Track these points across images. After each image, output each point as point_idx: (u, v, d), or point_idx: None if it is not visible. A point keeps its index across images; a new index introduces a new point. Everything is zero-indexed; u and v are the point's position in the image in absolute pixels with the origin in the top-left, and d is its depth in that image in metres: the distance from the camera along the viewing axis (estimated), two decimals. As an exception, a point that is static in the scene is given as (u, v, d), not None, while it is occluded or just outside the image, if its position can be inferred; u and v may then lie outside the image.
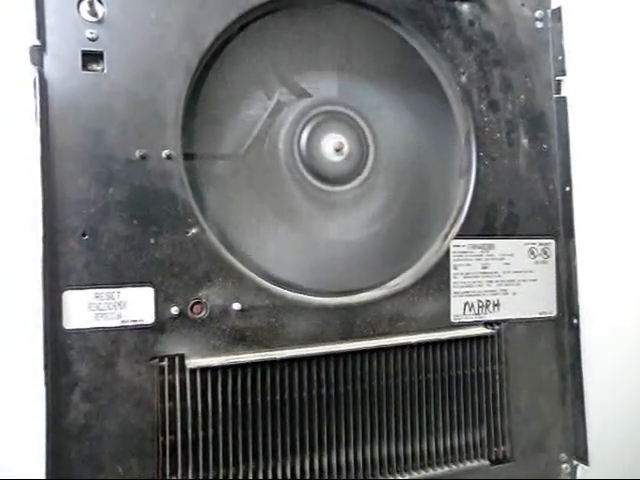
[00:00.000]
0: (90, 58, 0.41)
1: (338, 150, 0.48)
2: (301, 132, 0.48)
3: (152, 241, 0.41)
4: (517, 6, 0.53)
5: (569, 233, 0.53)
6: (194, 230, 0.42)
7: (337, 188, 0.49)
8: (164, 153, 0.42)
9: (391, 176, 0.51)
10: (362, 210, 0.50)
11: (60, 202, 0.39)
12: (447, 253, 0.50)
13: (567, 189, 0.53)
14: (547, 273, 0.53)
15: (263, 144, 0.48)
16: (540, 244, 0.52)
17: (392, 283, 0.49)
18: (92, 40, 0.40)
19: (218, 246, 0.43)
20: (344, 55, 0.50)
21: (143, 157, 0.41)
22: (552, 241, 0.53)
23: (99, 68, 0.41)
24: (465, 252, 0.50)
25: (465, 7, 0.51)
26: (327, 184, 0.49)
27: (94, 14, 0.40)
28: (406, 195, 0.51)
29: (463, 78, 0.51)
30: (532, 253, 0.52)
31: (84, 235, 0.40)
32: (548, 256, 0.53)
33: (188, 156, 0.44)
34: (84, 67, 0.40)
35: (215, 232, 0.44)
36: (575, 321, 0.52)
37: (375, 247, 0.50)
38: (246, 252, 0.46)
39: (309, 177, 0.48)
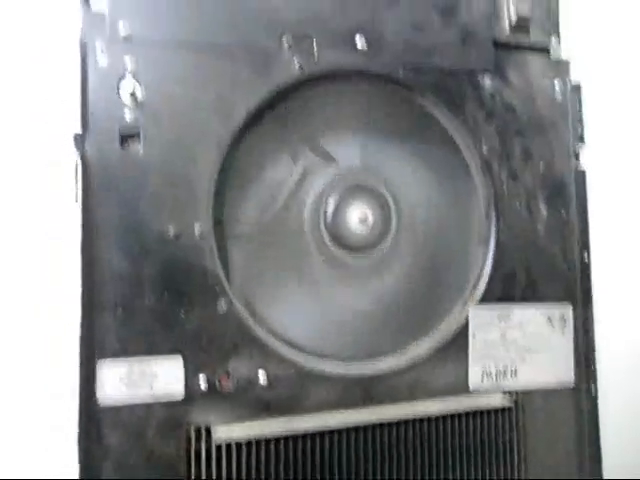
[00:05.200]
0: (128, 138, 0.43)
1: (363, 221, 0.49)
2: (327, 203, 0.49)
3: (182, 314, 0.43)
4: (538, 78, 0.54)
5: (587, 300, 0.54)
6: (223, 303, 0.44)
7: (359, 256, 0.50)
8: (196, 229, 0.43)
9: (412, 244, 0.52)
10: (383, 277, 0.51)
11: (97, 277, 0.41)
12: (466, 321, 0.51)
13: (585, 257, 0.54)
14: (565, 341, 0.53)
15: (289, 212, 0.50)
16: (558, 311, 0.53)
17: (411, 350, 0.50)
18: (130, 122, 0.42)
19: (246, 318, 0.45)
20: (367, 122, 0.52)
21: (176, 232, 0.43)
22: (570, 308, 0.54)
23: (136, 148, 0.43)
24: (484, 320, 0.51)
25: (487, 80, 0.52)
26: (350, 252, 0.50)
27: (133, 96, 0.42)
28: (426, 262, 0.52)
29: (484, 149, 0.52)
30: (550, 320, 0.53)
31: (117, 309, 0.41)
32: (566, 323, 0.54)
33: (217, 224, 0.46)
34: (122, 147, 0.42)
35: (242, 302, 0.46)
36: (593, 390, 0.52)
37: (394, 314, 0.51)
38: (270, 321, 0.47)
39: (333, 246, 0.49)
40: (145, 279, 0.42)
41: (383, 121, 0.52)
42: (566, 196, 0.54)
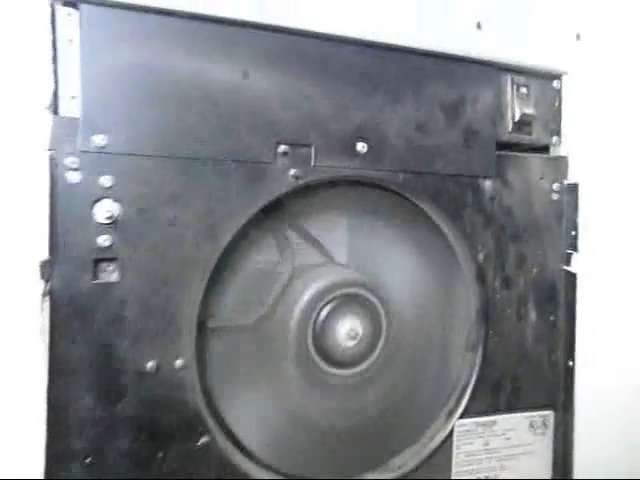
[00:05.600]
0: (102, 266, 0.38)
1: (353, 337, 0.47)
2: (317, 314, 0.46)
3: (160, 455, 0.39)
4: (536, 180, 0.52)
5: (568, 405, 0.54)
6: (204, 439, 0.41)
7: (345, 371, 0.48)
8: (178, 362, 0.40)
9: (400, 357, 0.50)
10: (367, 391, 0.49)
11: (64, 424, 0.37)
12: (451, 433, 0.50)
13: (570, 363, 0.54)
14: (545, 445, 0.54)
15: (274, 318, 0.46)
16: (540, 416, 0.53)
17: (395, 463, 0.49)
18: (105, 246, 0.37)
19: (229, 452, 0.42)
20: (362, 223, 0.50)
21: (156, 368, 0.39)
22: (552, 413, 0.54)
23: (112, 276, 0.38)
24: (469, 431, 0.51)
25: (487, 183, 0.50)
26: (336, 367, 0.47)
27: (109, 216, 0.37)
28: (413, 373, 0.51)
29: (480, 256, 0.50)
30: (532, 426, 0.53)
31: (86, 458, 0.37)
32: (547, 427, 0.54)
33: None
34: (95, 275, 0.37)
35: (223, 432, 0.43)
36: (569, 495, 0.53)
37: (377, 427, 0.49)
38: (252, 448, 0.44)
39: (319, 360, 0.47)
40: (119, 421, 0.38)
41: (379, 224, 0.50)
42: (556, 300, 0.53)
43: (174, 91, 0.39)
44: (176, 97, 0.39)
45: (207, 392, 0.42)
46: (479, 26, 0.50)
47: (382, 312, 0.49)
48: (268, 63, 0.42)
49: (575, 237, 0.53)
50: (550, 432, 0.54)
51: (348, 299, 0.47)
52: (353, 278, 0.48)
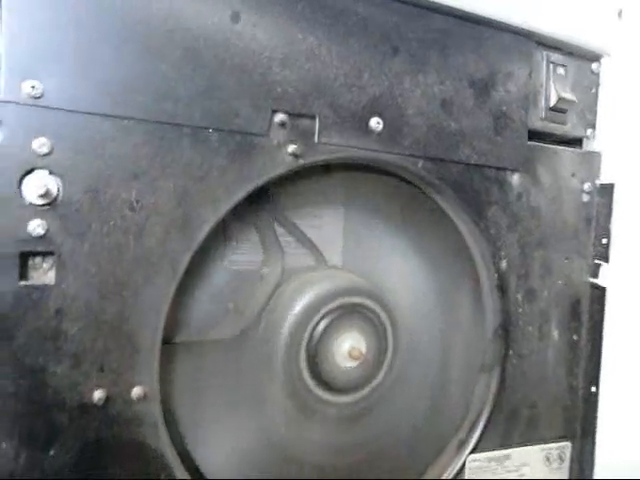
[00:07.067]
0: (33, 263, 0.28)
1: (354, 357, 0.38)
2: (313, 329, 0.38)
3: (108, 514, 0.30)
4: (567, 177, 0.45)
5: (588, 435, 0.48)
6: (165, 485, 0.31)
7: (343, 398, 0.39)
8: (134, 392, 0.30)
9: (407, 380, 0.42)
10: (369, 423, 0.41)
11: (-28, 476, 0.27)
12: (462, 468, 0.42)
13: (593, 389, 0.47)
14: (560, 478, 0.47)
15: (257, 330, 0.38)
16: (557, 448, 0.47)
17: (397, 505, 0.41)
18: (38, 236, 0.27)
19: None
20: (367, 216, 0.41)
21: (104, 400, 0.29)
22: (569, 446, 0.47)
23: (45, 277, 0.28)
24: (481, 467, 0.43)
25: (515, 178, 0.42)
26: (332, 394, 0.39)
27: (44, 194, 0.27)
28: (420, 401, 0.43)
29: (503, 263, 0.42)
30: (548, 460, 0.46)
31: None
32: (563, 461, 0.47)
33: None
34: (22, 277, 0.27)
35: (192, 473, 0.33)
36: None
37: (377, 465, 0.41)
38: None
39: (312, 385, 0.38)
40: (52, 473, 0.28)
41: (388, 218, 0.41)
42: (579, 317, 0.47)
43: (142, 31, 0.29)
44: (143, 40, 0.29)
45: (172, 428, 0.33)
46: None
47: (389, 327, 0.40)
48: (266, 4, 0.32)
49: (607, 246, 0.46)
50: (566, 465, 0.47)
51: (350, 310, 0.39)
52: (356, 285, 0.40)
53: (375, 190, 0.41)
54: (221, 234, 0.36)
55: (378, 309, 0.40)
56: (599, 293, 0.47)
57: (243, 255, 0.38)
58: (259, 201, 0.37)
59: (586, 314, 0.47)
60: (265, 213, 0.37)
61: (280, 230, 0.39)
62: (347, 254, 0.41)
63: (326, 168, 0.38)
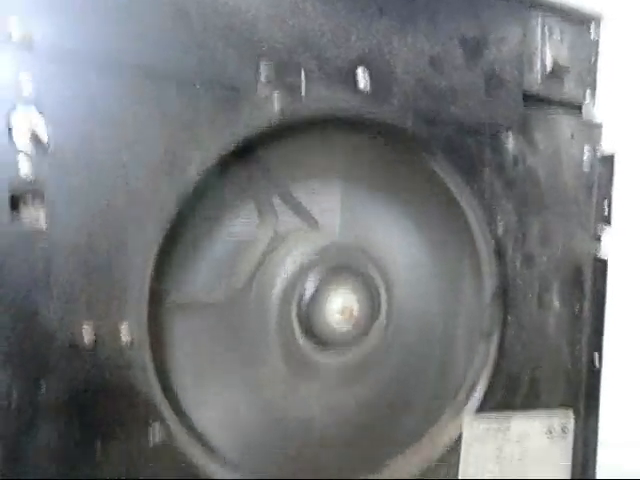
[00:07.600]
0: (23, 204, 0.29)
1: (346, 313, 0.38)
2: (302, 287, 0.38)
3: (97, 453, 0.31)
4: (565, 144, 0.44)
5: (591, 408, 0.46)
6: (158, 434, 0.32)
7: (335, 355, 0.39)
8: (123, 332, 0.31)
9: (401, 339, 0.42)
10: (361, 380, 0.41)
11: (-36, 409, 0.28)
12: (459, 436, 0.42)
13: (595, 361, 0.46)
14: (563, 453, 0.46)
15: (250, 292, 0.38)
16: (559, 421, 0.45)
17: (393, 469, 0.41)
18: (27, 177, 0.28)
19: (189, 450, 0.33)
20: (357, 180, 0.41)
21: (92, 339, 0.30)
22: (572, 417, 0.46)
23: (35, 216, 0.29)
24: (479, 434, 0.42)
25: (511, 140, 0.42)
26: (325, 350, 0.39)
27: (33, 138, 0.28)
28: (416, 361, 0.43)
29: (500, 229, 0.42)
30: (550, 432, 0.45)
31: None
32: (566, 433, 0.46)
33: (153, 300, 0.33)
34: (13, 216, 0.28)
35: (182, 425, 0.34)
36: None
37: (373, 424, 0.41)
38: (218, 444, 0.36)
39: (304, 341, 0.38)
40: (42, 410, 0.29)
41: (378, 182, 0.41)
42: (582, 287, 0.46)
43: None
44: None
45: (163, 375, 0.34)
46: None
47: (382, 287, 0.40)
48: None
49: (608, 214, 0.46)
50: (569, 438, 0.46)
51: (342, 270, 0.39)
52: (348, 243, 0.40)
53: (372, 158, 0.42)
54: (222, 207, 0.36)
55: (372, 269, 0.40)
56: (601, 266, 0.46)
57: (241, 227, 0.38)
58: (255, 170, 0.37)
59: (588, 285, 0.46)
60: (262, 182, 0.38)
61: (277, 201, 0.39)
62: (349, 222, 0.41)
63: (321, 126, 0.38)
